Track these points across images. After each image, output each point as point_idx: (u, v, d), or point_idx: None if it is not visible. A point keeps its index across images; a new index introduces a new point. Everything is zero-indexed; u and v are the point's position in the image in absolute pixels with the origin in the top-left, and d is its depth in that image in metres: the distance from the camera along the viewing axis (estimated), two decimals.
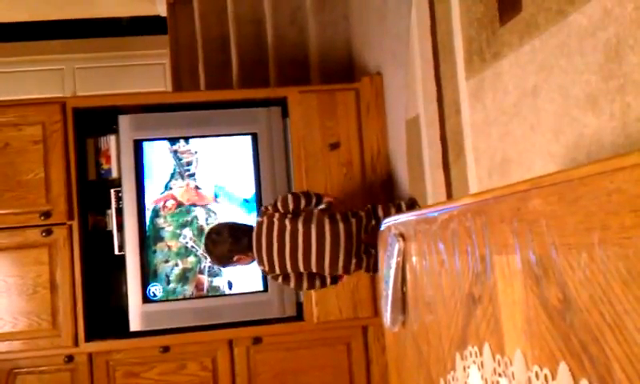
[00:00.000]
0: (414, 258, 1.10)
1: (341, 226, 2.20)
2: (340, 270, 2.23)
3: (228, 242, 2.22)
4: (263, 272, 2.31)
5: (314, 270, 2.22)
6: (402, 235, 1.14)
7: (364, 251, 2.23)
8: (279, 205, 2.23)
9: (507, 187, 0.79)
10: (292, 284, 2.26)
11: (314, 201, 2.28)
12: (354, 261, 2.21)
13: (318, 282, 2.27)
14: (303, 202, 2.24)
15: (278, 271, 2.22)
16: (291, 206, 2.22)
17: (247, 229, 2.26)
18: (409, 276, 1.13)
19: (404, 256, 1.14)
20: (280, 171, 2.66)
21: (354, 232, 2.21)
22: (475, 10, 1.80)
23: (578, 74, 1.34)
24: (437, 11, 2.10)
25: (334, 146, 2.67)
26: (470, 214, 0.88)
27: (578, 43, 1.33)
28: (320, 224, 2.19)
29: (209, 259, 2.40)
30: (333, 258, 2.19)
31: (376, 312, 2.59)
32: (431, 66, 2.16)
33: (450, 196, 2.09)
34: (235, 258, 2.25)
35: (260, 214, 2.29)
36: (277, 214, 2.22)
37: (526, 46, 1.54)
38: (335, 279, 2.30)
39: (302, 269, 2.22)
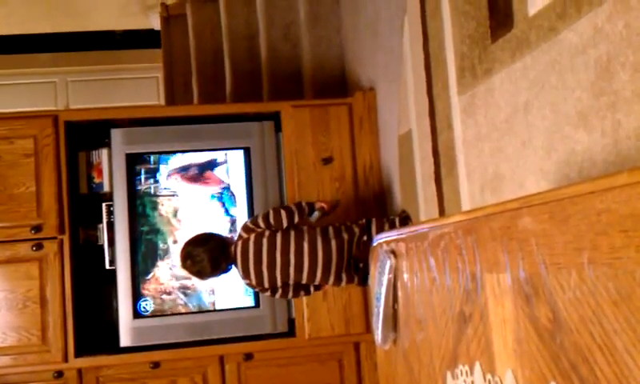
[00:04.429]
0: (405, 275, 1.10)
1: (333, 243, 2.20)
2: (330, 284, 2.25)
3: (208, 266, 2.21)
4: (248, 285, 2.29)
5: (304, 283, 2.24)
6: (393, 252, 1.14)
7: (354, 267, 2.24)
8: (271, 220, 2.21)
9: (498, 205, 0.78)
10: (278, 295, 2.27)
11: (306, 211, 2.28)
12: (344, 276, 2.24)
13: (302, 292, 2.31)
14: (297, 217, 2.24)
15: (267, 285, 2.22)
16: (285, 223, 2.21)
17: (226, 247, 2.23)
18: (400, 293, 1.13)
19: (395, 273, 1.13)
20: (273, 185, 2.65)
21: (345, 248, 2.21)
22: (467, 27, 1.80)
23: (569, 91, 1.35)
24: (429, 27, 2.11)
25: (327, 161, 2.67)
26: (460, 231, 0.88)
27: (569, 60, 1.34)
28: (312, 241, 2.19)
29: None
30: (324, 275, 2.20)
31: (368, 328, 2.58)
32: (423, 81, 2.17)
33: (442, 211, 2.08)
34: (216, 275, 2.26)
35: (244, 229, 2.26)
36: (267, 232, 2.21)
37: (517, 63, 1.54)
38: (318, 287, 2.31)
39: (291, 282, 2.23)
